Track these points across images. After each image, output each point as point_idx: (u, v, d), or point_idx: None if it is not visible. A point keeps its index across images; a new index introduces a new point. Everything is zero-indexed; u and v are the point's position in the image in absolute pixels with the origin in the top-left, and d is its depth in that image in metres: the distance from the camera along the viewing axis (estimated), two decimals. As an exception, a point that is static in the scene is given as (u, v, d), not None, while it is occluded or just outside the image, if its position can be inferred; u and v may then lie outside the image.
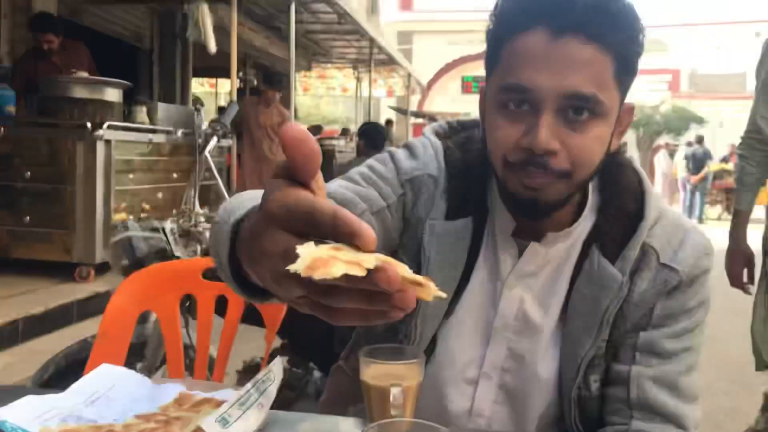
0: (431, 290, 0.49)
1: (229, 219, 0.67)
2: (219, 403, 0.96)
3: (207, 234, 2.19)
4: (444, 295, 0.50)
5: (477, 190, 1.01)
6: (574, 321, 0.97)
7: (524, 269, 0.99)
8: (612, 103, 0.88)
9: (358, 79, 14.02)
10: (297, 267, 0.43)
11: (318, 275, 0.43)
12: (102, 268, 4.62)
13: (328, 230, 0.47)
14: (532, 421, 1.02)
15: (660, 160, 15.39)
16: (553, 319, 0.99)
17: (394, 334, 1.02)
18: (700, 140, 14.33)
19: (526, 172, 0.88)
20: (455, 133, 1.08)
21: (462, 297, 1.02)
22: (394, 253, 1.01)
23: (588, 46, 0.84)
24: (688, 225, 1.01)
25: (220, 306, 1.53)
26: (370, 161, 1.05)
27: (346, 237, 0.47)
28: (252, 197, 0.71)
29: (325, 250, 0.45)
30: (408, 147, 1.06)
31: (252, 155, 6.45)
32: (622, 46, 0.86)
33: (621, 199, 0.98)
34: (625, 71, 0.88)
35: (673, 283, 0.96)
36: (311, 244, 0.46)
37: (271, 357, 2.03)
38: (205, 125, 2.66)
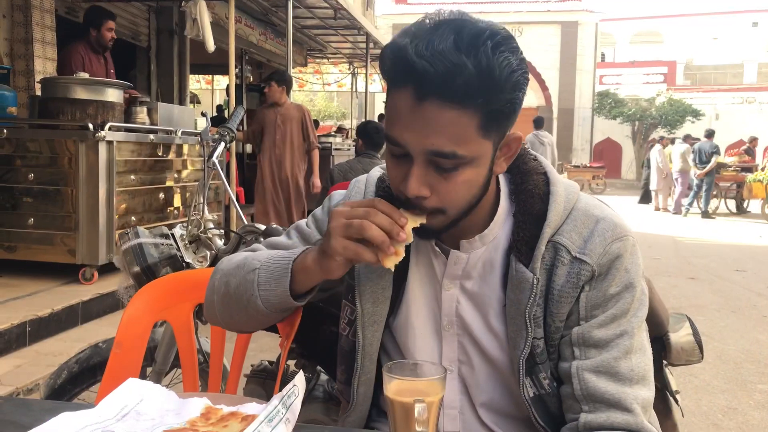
0: (392, 262, 0.97)
1: (274, 261, 1.09)
2: (244, 417, 1.00)
3: (216, 240, 2.21)
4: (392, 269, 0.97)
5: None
6: (510, 326, 1.05)
7: (453, 273, 1.10)
8: (477, 152, 0.95)
9: (354, 74, 14.01)
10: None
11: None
12: (105, 270, 4.64)
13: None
14: (496, 409, 1.10)
15: (655, 154, 15.42)
16: (495, 325, 1.07)
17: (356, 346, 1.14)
18: (709, 134, 14.31)
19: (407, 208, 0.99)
20: None
21: (404, 302, 1.13)
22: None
23: (448, 109, 0.91)
24: (599, 214, 1.05)
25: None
26: (316, 209, 1.25)
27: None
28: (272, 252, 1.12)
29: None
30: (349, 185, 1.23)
31: (270, 154, 6.23)
32: (486, 102, 0.91)
33: (528, 203, 1.06)
34: (495, 119, 0.94)
35: (586, 274, 1.01)
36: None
37: (278, 360, 2.06)
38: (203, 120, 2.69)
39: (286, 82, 6.25)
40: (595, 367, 0.99)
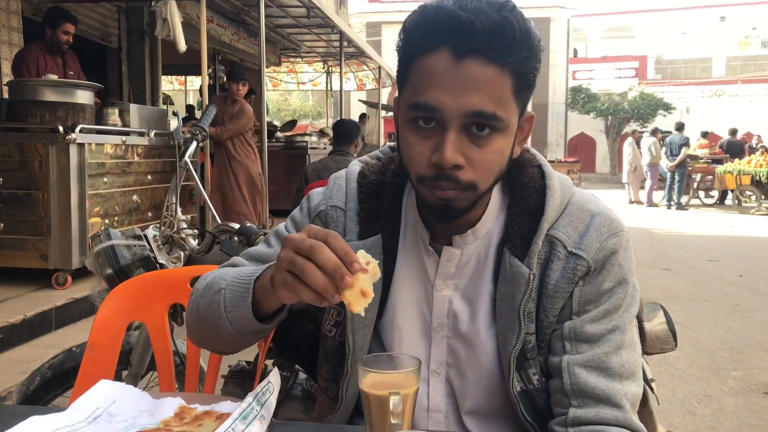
0: (359, 306, 0.84)
1: (239, 281, 1.01)
2: (219, 416, 0.99)
3: (190, 240, 2.19)
4: (362, 313, 0.84)
5: (387, 208, 1.10)
6: (500, 320, 1.03)
7: (446, 271, 1.07)
8: (511, 118, 0.95)
9: (328, 73, 13.98)
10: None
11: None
12: (79, 274, 4.57)
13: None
14: (482, 412, 1.09)
15: (626, 148, 15.62)
16: (484, 319, 1.06)
17: (342, 347, 1.11)
18: (679, 127, 14.51)
19: (437, 185, 0.95)
20: (377, 159, 1.18)
21: (389, 303, 1.10)
22: None
23: (488, 67, 0.90)
24: (594, 208, 1.04)
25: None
26: (294, 211, 1.19)
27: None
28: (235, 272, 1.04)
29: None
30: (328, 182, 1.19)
31: (223, 154, 6.33)
32: (520, 65, 0.92)
33: (523, 196, 1.05)
34: (523, 87, 0.95)
35: (582, 269, 1.00)
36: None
37: (256, 360, 2.05)
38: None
39: (245, 80, 6.38)
40: (585, 362, 0.99)
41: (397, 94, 1.02)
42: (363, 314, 0.86)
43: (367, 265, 0.86)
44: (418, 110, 0.94)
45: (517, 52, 0.90)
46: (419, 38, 0.93)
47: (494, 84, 0.91)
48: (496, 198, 1.07)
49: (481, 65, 0.90)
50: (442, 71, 0.91)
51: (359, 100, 17.93)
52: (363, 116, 14.13)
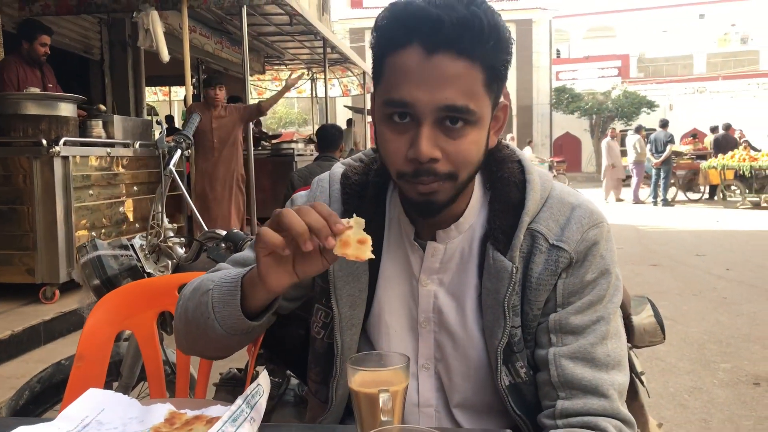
0: (366, 253, 0.88)
1: (226, 281, 1.02)
2: (209, 420, 0.99)
3: (177, 249, 2.18)
4: (371, 256, 0.89)
5: (371, 207, 1.11)
6: (486, 314, 1.04)
7: (431, 266, 1.08)
8: (483, 110, 0.96)
9: (313, 80, 13.97)
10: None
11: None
12: (67, 288, 4.54)
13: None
14: (471, 406, 1.10)
15: (604, 147, 15.70)
16: (471, 314, 1.07)
17: (332, 348, 1.11)
18: (663, 125, 14.61)
19: (418, 180, 0.96)
20: (360, 161, 1.19)
21: (376, 301, 1.11)
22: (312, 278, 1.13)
23: (458, 61, 0.91)
24: (575, 201, 1.05)
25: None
26: None
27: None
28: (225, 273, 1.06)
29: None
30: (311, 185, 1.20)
31: (205, 160, 6.24)
32: (490, 58, 0.93)
33: (504, 191, 1.06)
34: (495, 79, 0.96)
35: (564, 261, 1.01)
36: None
37: (247, 367, 2.04)
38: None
39: (221, 84, 6.33)
40: (572, 354, 1.00)
41: (372, 92, 1.03)
42: (373, 257, 0.89)
43: (348, 223, 0.90)
44: (392, 106, 0.95)
45: (486, 45, 0.92)
46: (390, 35, 0.94)
47: (465, 78, 0.92)
48: (477, 193, 1.08)
49: (451, 59, 0.91)
50: (413, 67, 0.92)
51: (345, 106, 17.93)
52: (350, 122, 14.12)
